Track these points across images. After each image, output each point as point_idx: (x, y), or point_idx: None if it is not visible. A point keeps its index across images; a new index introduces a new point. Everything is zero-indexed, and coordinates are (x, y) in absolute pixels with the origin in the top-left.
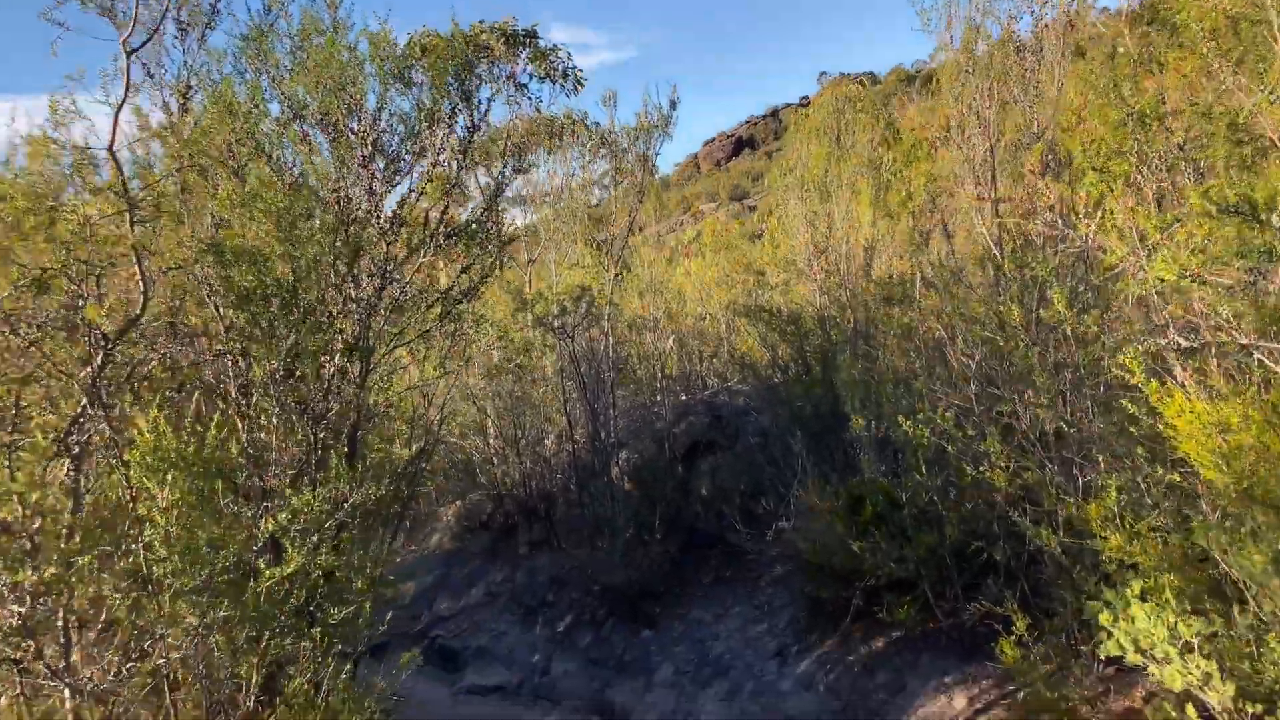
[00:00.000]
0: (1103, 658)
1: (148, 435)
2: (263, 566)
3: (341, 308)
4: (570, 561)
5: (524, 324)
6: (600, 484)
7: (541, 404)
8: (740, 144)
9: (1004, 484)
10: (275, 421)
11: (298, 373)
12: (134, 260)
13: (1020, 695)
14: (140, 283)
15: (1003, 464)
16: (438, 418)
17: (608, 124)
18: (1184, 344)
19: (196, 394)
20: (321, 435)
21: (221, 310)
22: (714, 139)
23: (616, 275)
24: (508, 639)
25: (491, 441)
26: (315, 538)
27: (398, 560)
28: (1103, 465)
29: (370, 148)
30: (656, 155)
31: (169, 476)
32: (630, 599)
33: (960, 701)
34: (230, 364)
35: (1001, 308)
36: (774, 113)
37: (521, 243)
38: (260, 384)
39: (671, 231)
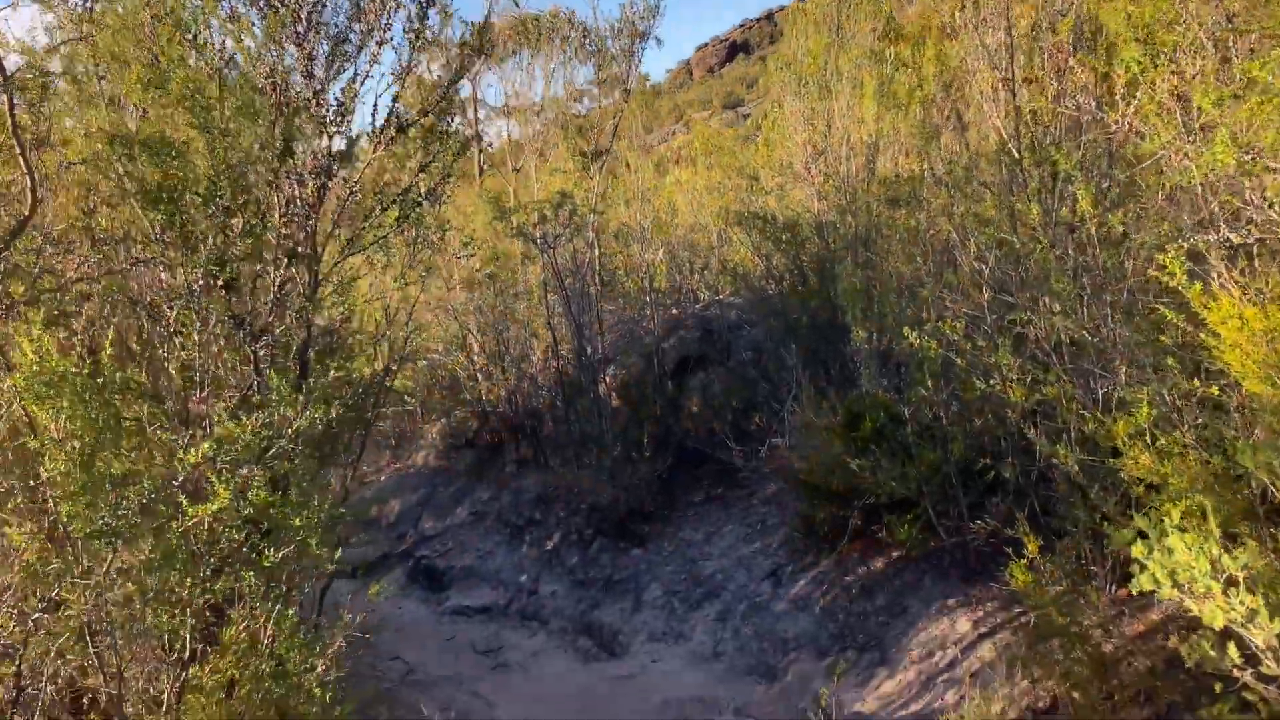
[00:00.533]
0: (1135, 592)
1: (31, 356)
2: (185, 504)
3: (283, 210)
4: (557, 480)
5: (503, 234)
6: (587, 401)
7: (525, 318)
8: (734, 49)
9: (1020, 399)
10: (202, 338)
11: (228, 282)
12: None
13: (1028, 619)
14: (27, 178)
15: (1015, 377)
16: (403, 334)
17: (592, 21)
18: (1236, 240)
19: (118, 309)
20: (263, 353)
21: (141, 211)
22: (707, 44)
23: (602, 182)
24: (494, 559)
25: (475, 357)
26: (248, 470)
27: (372, 482)
28: (1124, 378)
29: (306, 24)
30: (643, 49)
31: (65, 404)
32: (618, 518)
33: (964, 625)
34: (155, 274)
35: (1019, 205)
36: (769, 15)
37: (507, 152)
38: (180, 296)
39: (663, 141)
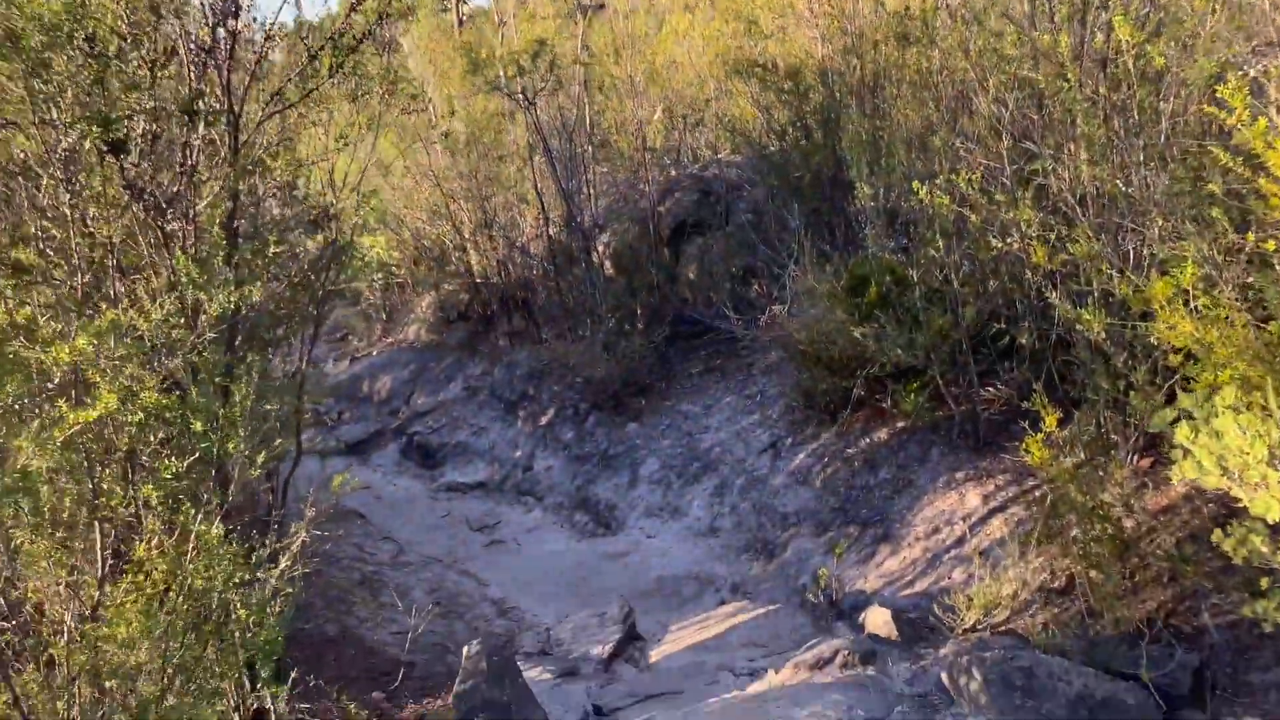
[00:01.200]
0: (1176, 482)
1: None
2: (65, 410)
3: (193, 59)
4: (550, 354)
5: (482, 90)
6: (579, 271)
7: (513, 183)
8: None
9: (1043, 259)
10: (74, 212)
11: (114, 145)
12: None
13: (1042, 493)
14: None
15: (1036, 234)
16: (351, 200)
17: None
18: None
19: None
20: (175, 227)
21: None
22: None
23: (589, 29)
24: (488, 435)
25: (461, 227)
26: (135, 367)
27: (365, 356)
28: (1159, 233)
29: None
30: None
31: None
32: (613, 392)
33: (973, 499)
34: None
35: (1044, 38)
36: None
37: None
38: (39, 162)
39: None
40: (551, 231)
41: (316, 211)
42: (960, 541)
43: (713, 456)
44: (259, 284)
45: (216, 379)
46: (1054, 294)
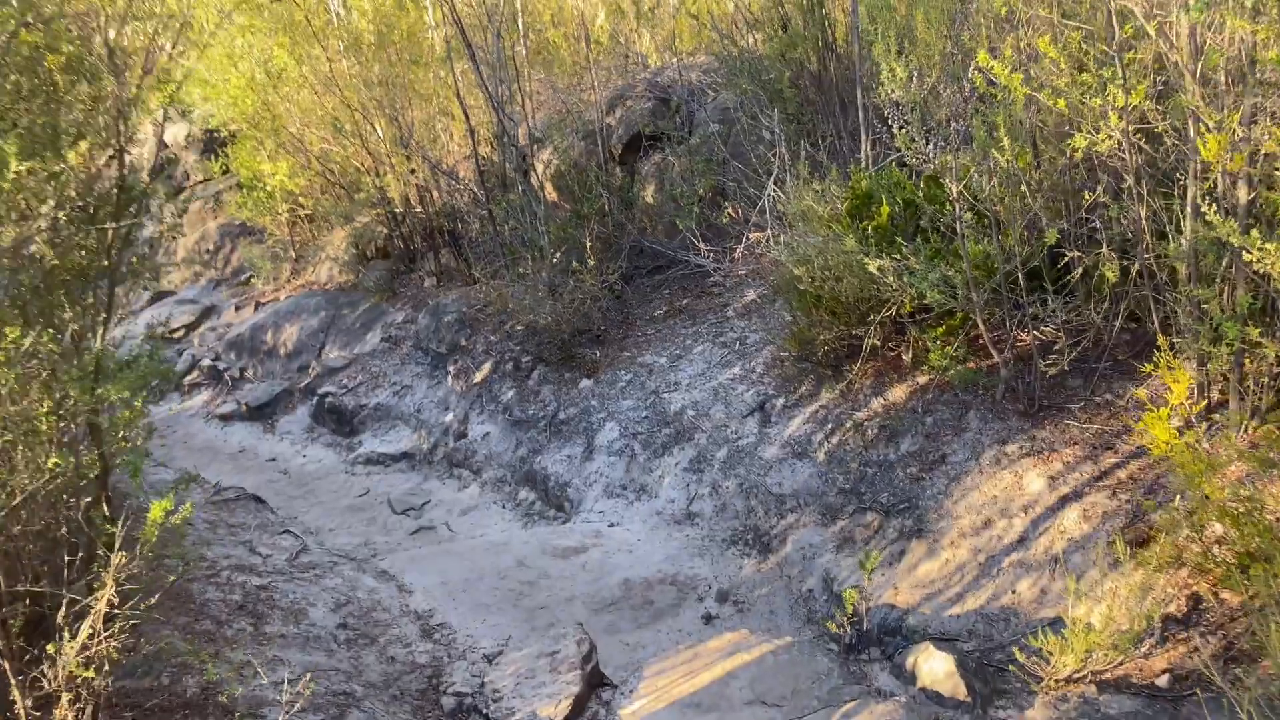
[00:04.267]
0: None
1: None
2: None
3: None
4: (484, 296)
5: None
6: (514, 196)
7: (432, 93)
8: None
9: (1216, 151)
10: None
11: None
12: None
13: (1136, 472)
14: None
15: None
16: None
17: None
18: None
19: None
20: None
21: None
22: None
23: None
24: (413, 395)
25: (372, 147)
26: None
27: (271, 302)
28: None
29: None
30: None
31: None
32: (561, 341)
33: (1035, 482)
34: None
35: None
36: None
37: None
38: None
39: None
40: (481, 150)
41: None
42: (1022, 541)
43: (686, 421)
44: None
45: None
46: (1157, 201)
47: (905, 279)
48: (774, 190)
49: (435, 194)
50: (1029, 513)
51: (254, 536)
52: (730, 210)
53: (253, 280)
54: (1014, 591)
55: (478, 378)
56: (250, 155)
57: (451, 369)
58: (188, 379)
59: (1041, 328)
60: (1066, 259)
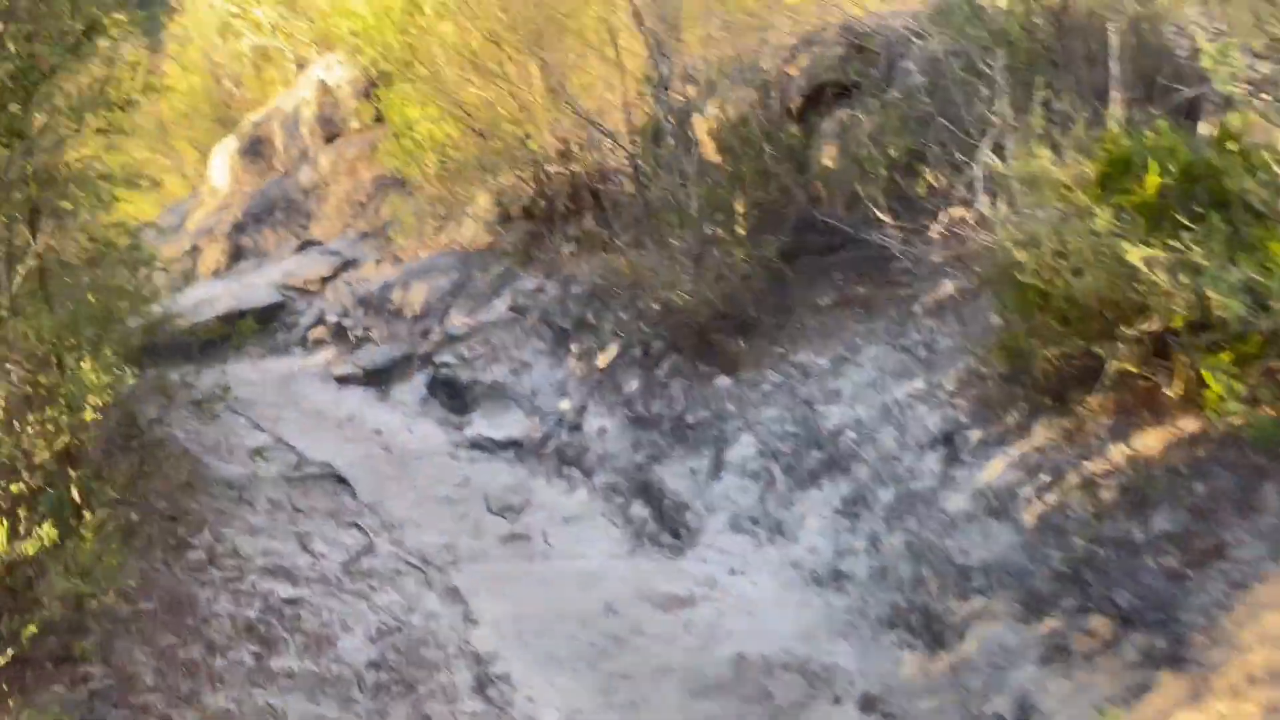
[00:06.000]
0: None
1: None
2: None
3: None
4: (620, 266)
5: None
6: (665, 152)
7: (582, 30)
8: None
9: None
10: None
11: None
12: None
13: None
14: None
15: None
16: None
17: None
18: None
19: None
20: None
21: None
22: None
23: None
24: (530, 374)
25: (517, 93)
26: None
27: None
28: None
29: None
30: None
31: None
32: (700, 327)
33: None
34: None
35: None
36: None
37: None
38: None
39: None
40: (637, 101)
41: None
42: None
43: (843, 444)
44: None
45: None
46: None
47: (1183, 278)
48: (989, 158)
49: (584, 149)
50: None
51: (315, 527)
52: (930, 179)
53: (396, 236)
54: None
55: (601, 362)
56: (400, 100)
57: (574, 349)
58: (312, 334)
59: None
60: None
